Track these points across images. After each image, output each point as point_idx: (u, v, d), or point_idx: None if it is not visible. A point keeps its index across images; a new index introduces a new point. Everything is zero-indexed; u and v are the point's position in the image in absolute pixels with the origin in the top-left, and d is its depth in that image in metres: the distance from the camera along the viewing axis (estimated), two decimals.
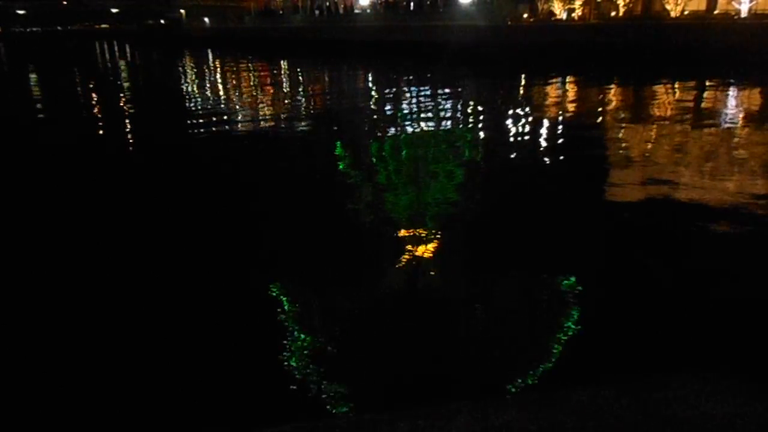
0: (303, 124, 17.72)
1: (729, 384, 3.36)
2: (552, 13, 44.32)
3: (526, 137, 14.49)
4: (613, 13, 42.04)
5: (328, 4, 71.45)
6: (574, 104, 20.34)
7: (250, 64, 44.36)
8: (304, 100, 23.80)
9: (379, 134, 15.40)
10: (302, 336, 5.47)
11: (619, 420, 3.08)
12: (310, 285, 6.68)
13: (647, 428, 3.02)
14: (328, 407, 4.38)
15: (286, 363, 5.03)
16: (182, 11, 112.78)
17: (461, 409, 3.24)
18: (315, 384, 4.70)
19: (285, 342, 5.36)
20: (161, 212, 9.34)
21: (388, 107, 20.72)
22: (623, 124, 15.88)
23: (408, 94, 23.57)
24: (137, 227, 8.66)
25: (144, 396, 4.69)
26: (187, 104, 23.22)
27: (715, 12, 37.19)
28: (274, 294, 6.36)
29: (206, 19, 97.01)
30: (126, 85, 32.41)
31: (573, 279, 6.33)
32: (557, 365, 4.83)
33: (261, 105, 22.23)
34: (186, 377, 4.93)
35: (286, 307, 6.07)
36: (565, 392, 3.35)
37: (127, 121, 19.48)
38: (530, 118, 17.35)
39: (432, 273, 6.81)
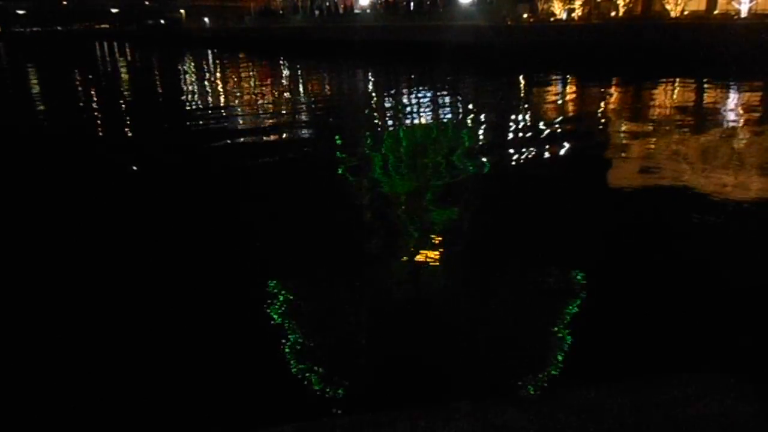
0: (303, 123, 17.73)
1: (729, 384, 3.36)
2: (552, 13, 44.28)
3: (525, 136, 14.50)
4: (613, 13, 42.00)
5: (328, 4, 71.43)
6: (574, 104, 20.34)
7: (250, 64, 44.37)
8: (304, 99, 23.82)
9: (377, 133, 15.42)
10: (299, 332, 5.48)
11: (618, 420, 3.09)
12: (307, 274, 6.70)
13: (647, 428, 3.02)
14: (328, 407, 4.39)
15: (283, 360, 5.04)
16: (182, 11, 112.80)
17: (461, 409, 3.24)
18: (314, 383, 4.71)
19: (283, 339, 5.36)
20: (160, 209, 9.36)
21: (387, 107, 20.74)
22: (624, 123, 15.88)
23: (407, 94, 23.57)
24: (134, 229, 8.66)
25: (143, 395, 4.70)
26: (186, 104, 23.23)
27: (715, 12, 37.16)
28: (272, 287, 6.37)
29: (206, 19, 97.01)
30: (126, 85, 32.42)
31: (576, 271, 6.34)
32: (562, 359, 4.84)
33: (261, 104, 22.23)
34: (182, 373, 4.94)
35: (283, 299, 6.09)
36: (564, 392, 3.35)
37: (126, 121, 19.50)
38: (529, 118, 17.35)
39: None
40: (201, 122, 18.14)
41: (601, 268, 6.69)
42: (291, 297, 6.29)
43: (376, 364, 5.03)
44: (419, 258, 7.12)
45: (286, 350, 5.19)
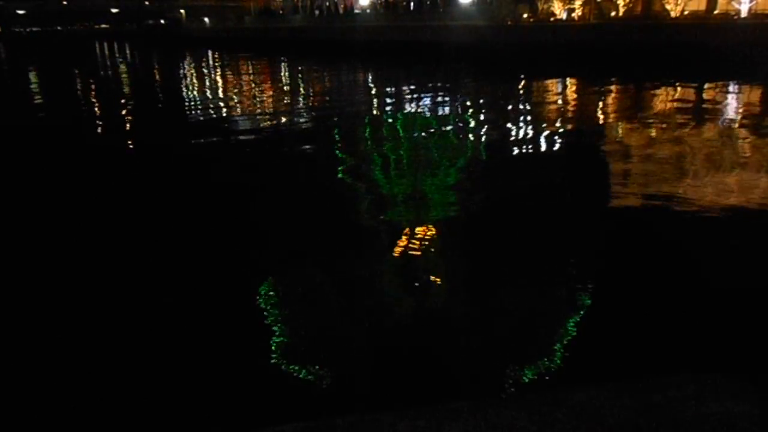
0: (304, 122, 17.73)
1: (728, 384, 3.36)
2: (552, 13, 44.26)
3: (524, 137, 14.49)
4: (613, 14, 41.97)
5: (328, 4, 71.46)
6: (574, 104, 20.34)
7: (250, 65, 44.35)
8: (304, 100, 23.83)
9: (378, 133, 15.42)
10: (297, 331, 5.49)
11: (618, 420, 3.09)
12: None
13: (647, 428, 3.02)
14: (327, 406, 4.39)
15: (283, 359, 5.05)
16: (182, 11, 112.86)
17: (461, 409, 3.24)
18: (313, 381, 4.71)
19: (282, 338, 5.36)
20: (159, 210, 9.37)
21: (388, 107, 20.74)
22: (623, 125, 15.86)
23: (408, 94, 23.57)
24: (135, 228, 8.67)
25: (142, 394, 4.70)
26: (186, 105, 23.24)
27: (715, 12, 37.15)
28: (270, 285, 6.39)
29: (206, 19, 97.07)
30: (126, 86, 32.44)
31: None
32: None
33: (261, 104, 22.23)
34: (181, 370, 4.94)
35: (281, 296, 6.11)
36: (564, 392, 3.35)
37: (126, 122, 19.51)
38: (529, 119, 17.35)
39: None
40: (200, 127, 18.10)
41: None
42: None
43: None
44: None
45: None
